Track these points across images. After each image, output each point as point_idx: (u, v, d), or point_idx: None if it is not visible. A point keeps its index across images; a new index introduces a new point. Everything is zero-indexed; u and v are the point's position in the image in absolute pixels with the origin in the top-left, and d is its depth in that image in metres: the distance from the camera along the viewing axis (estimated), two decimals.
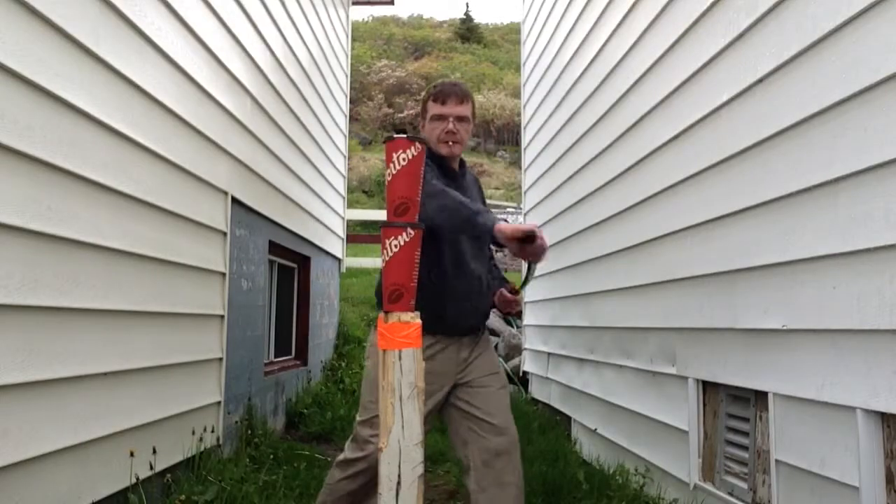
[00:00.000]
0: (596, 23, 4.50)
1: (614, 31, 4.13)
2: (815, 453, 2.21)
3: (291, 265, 5.91)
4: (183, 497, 2.91)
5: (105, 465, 2.56)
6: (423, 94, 2.47)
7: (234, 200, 3.90)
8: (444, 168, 2.37)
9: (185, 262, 3.23)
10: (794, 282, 2.33)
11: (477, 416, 2.34)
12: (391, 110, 44.82)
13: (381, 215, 8.59)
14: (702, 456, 3.03)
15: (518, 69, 8.26)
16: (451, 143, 2.32)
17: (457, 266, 2.34)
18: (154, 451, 2.86)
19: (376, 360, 2.36)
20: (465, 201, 2.15)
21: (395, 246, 1.87)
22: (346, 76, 7.84)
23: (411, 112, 39.67)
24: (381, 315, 1.91)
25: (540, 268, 2.38)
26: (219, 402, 3.69)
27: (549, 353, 5.81)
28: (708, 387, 3.04)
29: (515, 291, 2.52)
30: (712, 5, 2.91)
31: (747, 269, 2.62)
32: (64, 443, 2.29)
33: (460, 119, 2.32)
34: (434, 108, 2.34)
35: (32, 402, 2.15)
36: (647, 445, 3.58)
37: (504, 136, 42.80)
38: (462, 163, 2.52)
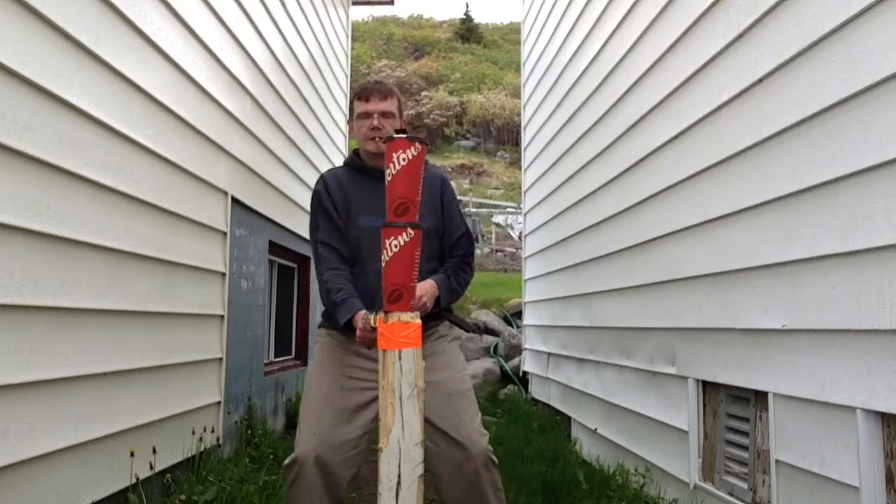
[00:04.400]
0: (596, 22, 4.50)
1: (614, 30, 4.13)
2: (815, 453, 2.21)
3: (291, 265, 5.91)
4: (183, 497, 2.91)
5: (105, 465, 2.56)
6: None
7: (234, 200, 3.90)
8: (369, 172, 2.34)
9: (186, 262, 3.23)
10: (794, 282, 2.33)
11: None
12: None
13: None
14: (702, 456, 3.03)
15: (518, 69, 8.27)
16: (376, 139, 2.33)
17: (354, 264, 2.31)
18: (154, 451, 2.86)
19: (311, 373, 2.34)
20: (338, 288, 2.23)
21: (395, 246, 1.87)
22: (346, 76, 7.84)
23: (411, 112, 39.61)
24: (381, 315, 1.92)
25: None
26: (219, 402, 3.69)
27: (548, 353, 5.81)
28: (708, 387, 3.04)
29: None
30: (712, 5, 2.91)
31: (747, 269, 2.62)
32: (64, 443, 2.29)
33: (384, 115, 2.34)
34: (359, 107, 2.37)
35: (32, 402, 2.15)
36: (647, 445, 3.58)
37: (504, 136, 42.73)
38: None
